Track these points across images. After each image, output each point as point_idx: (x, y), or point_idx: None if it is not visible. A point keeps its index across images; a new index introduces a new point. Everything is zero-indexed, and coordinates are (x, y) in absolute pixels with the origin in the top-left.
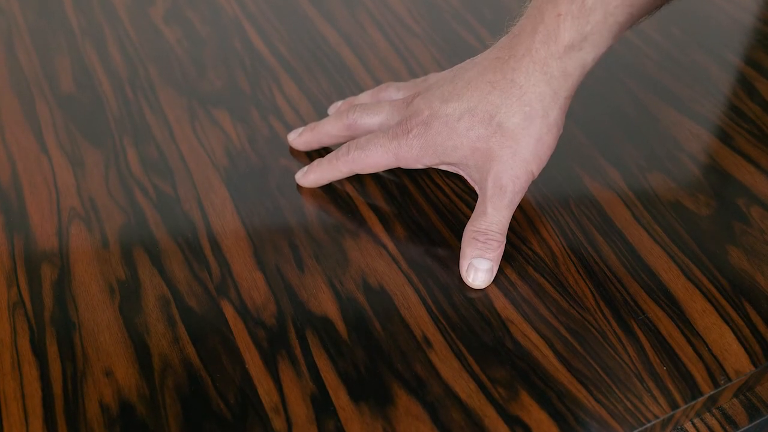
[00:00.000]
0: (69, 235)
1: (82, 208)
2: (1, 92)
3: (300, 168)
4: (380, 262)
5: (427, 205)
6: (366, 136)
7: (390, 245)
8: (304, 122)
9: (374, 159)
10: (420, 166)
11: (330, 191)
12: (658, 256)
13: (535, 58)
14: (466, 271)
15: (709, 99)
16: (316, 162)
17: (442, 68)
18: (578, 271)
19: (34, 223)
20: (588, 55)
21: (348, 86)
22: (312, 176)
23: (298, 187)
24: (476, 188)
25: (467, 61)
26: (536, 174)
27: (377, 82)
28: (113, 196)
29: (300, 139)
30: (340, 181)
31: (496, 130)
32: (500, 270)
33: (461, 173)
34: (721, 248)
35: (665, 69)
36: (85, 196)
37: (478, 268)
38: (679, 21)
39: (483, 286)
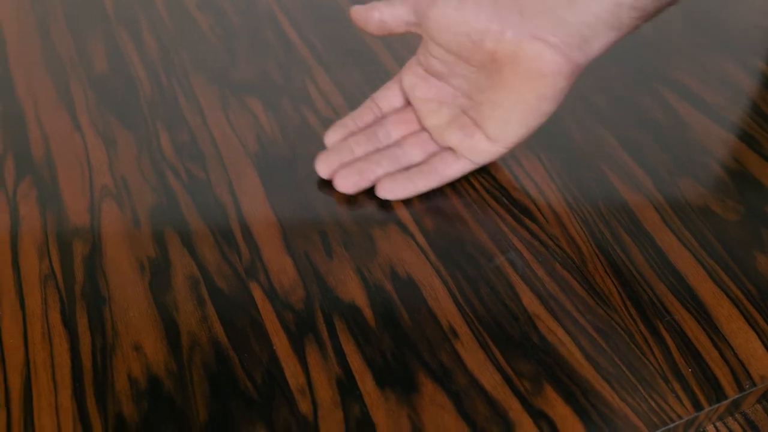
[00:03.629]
0: (101, 213)
1: (114, 186)
2: (37, 73)
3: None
4: (409, 252)
5: (457, 198)
6: None
7: (419, 237)
8: (335, 113)
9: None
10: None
11: None
12: (686, 259)
13: None
14: None
15: (737, 106)
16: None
17: None
18: (605, 271)
19: (66, 199)
20: None
21: (380, 80)
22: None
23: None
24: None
25: None
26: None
27: None
28: (145, 176)
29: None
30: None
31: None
32: (528, 265)
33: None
34: (749, 254)
35: (694, 75)
36: (118, 175)
37: None
38: (707, 28)
39: None
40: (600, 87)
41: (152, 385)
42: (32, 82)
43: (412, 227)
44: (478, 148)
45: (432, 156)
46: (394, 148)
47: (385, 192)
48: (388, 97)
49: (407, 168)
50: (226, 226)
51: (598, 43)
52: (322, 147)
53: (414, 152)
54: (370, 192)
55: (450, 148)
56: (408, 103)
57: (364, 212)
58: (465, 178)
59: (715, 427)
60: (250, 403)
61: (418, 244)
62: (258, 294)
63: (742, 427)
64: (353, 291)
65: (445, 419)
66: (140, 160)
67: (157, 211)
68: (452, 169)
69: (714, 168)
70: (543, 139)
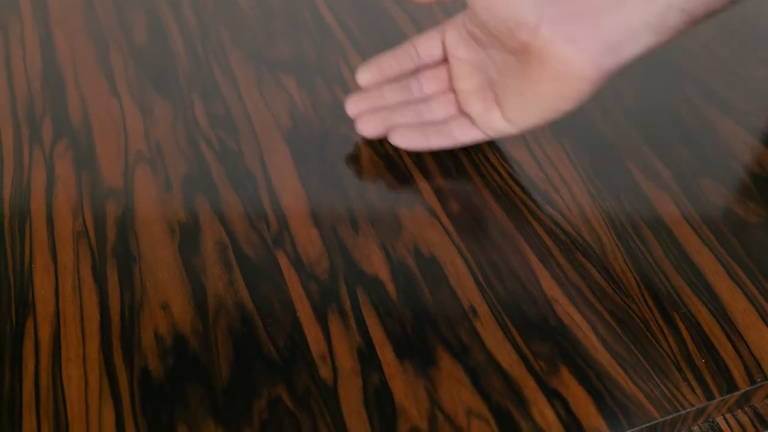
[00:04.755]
0: (134, 177)
1: (149, 152)
2: (78, 40)
3: (361, 138)
4: (433, 232)
5: (482, 182)
6: None
7: (443, 217)
8: None
9: None
10: None
11: (388, 161)
12: (705, 256)
13: None
14: None
15: (765, 112)
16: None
17: None
18: (625, 262)
19: (101, 161)
20: None
21: None
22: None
23: (357, 155)
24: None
25: None
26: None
27: None
28: (179, 144)
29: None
30: (398, 153)
31: None
32: (548, 250)
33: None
34: (767, 256)
35: (723, 80)
36: (153, 142)
37: None
38: (740, 33)
39: None
40: (630, 84)
41: (178, 343)
42: (73, 48)
43: (438, 209)
44: (493, 125)
45: (451, 118)
46: (420, 103)
47: (397, 138)
48: (430, 47)
49: (426, 123)
50: (255, 197)
51: (634, 48)
52: (352, 126)
53: (438, 110)
54: (398, 172)
55: (468, 115)
56: (445, 58)
57: (391, 191)
58: (490, 163)
59: (725, 419)
60: (272, 365)
61: (442, 225)
62: (284, 262)
63: (751, 420)
64: (377, 265)
65: (461, 393)
66: (175, 128)
67: (189, 178)
68: (466, 135)
69: (738, 171)
70: (570, 131)
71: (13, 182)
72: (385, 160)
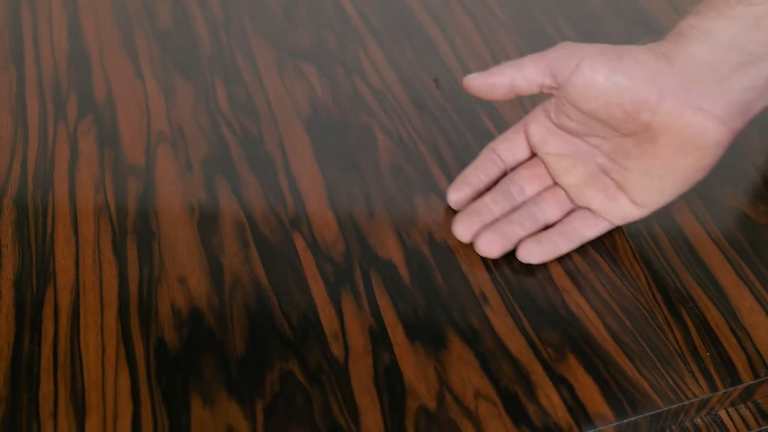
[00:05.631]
0: (156, 156)
1: (171, 133)
2: (104, 23)
3: (379, 127)
4: (447, 220)
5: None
6: None
7: None
8: (386, 85)
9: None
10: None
11: (405, 152)
12: (713, 254)
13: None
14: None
15: None
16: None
17: (523, 55)
18: (635, 256)
19: (124, 140)
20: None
21: (431, 59)
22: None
23: (375, 143)
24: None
25: None
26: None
27: (459, 59)
28: (201, 126)
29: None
30: (415, 143)
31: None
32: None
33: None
34: None
35: None
36: (174, 122)
37: None
38: None
39: None
40: None
41: (194, 316)
42: (100, 30)
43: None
44: (623, 213)
45: (569, 215)
46: (530, 206)
47: (528, 255)
48: (513, 149)
49: (545, 227)
50: (274, 179)
51: (761, 104)
52: (371, 115)
53: (551, 210)
54: (416, 162)
55: (587, 207)
56: (533, 154)
57: (408, 180)
58: None
59: (728, 412)
60: (285, 341)
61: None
62: (300, 244)
63: (753, 414)
64: (391, 250)
65: (470, 375)
66: (197, 110)
67: (209, 159)
68: (593, 230)
69: (751, 174)
70: None
71: (37, 156)
72: (402, 149)
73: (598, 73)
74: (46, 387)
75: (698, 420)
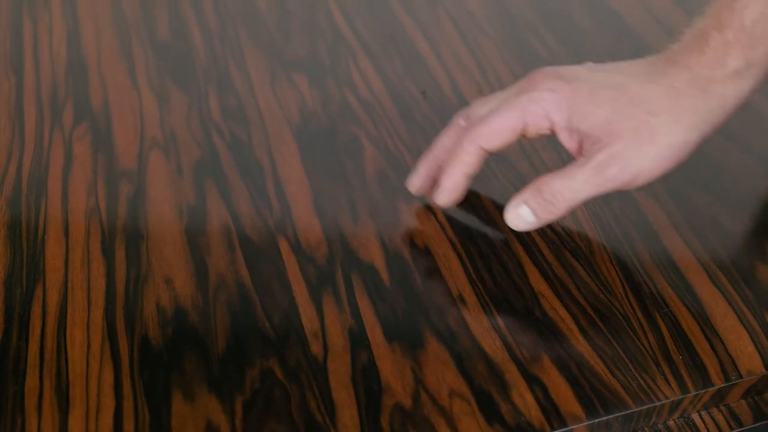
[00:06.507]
0: (148, 160)
1: (163, 138)
2: (104, 31)
3: (367, 137)
4: (429, 226)
5: (480, 185)
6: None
7: (440, 214)
8: (375, 96)
9: (498, 123)
10: (544, 129)
11: (391, 161)
12: (689, 261)
13: (697, 77)
14: (513, 209)
15: (760, 136)
16: (441, 176)
17: (510, 69)
18: (611, 261)
19: (118, 144)
20: (746, 85)
21: (420, 72)
22: (445, 191)
23: (362, 152)
24: (576, 153)
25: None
26: (639, 184)
27: (447, 72)
28: (192, 133)
29: (419, 174)
30: (400, 152)
31: (642, 118)
32: (538, 249)
33: (564, 137)
34: (750, 264)
35: None
36: (167, 129)
37: (522, 218)
38: None
39: (514, 228)
40: None
41: (178, 315)
42: (99, 39)
43: (435, 205)
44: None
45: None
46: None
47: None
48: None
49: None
50: (261, 185)
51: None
52: (359, 125)
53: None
54: (401, 170)
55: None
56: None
57: (393, 187)
58: (489, 169)
59: (700, 416)
60: (266, 340)
61: (438, 220)
62: (284, 247)
63: (725, 418)
64: (373, 254)
65: (445, 374)
66: (189, 117)
67: (199, 164)
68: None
69: (729, 187)
70: None
71: (32, 161)
72: (388, 157)
73: (654, 172)
74: (31, 381)
75: (671, 422)
